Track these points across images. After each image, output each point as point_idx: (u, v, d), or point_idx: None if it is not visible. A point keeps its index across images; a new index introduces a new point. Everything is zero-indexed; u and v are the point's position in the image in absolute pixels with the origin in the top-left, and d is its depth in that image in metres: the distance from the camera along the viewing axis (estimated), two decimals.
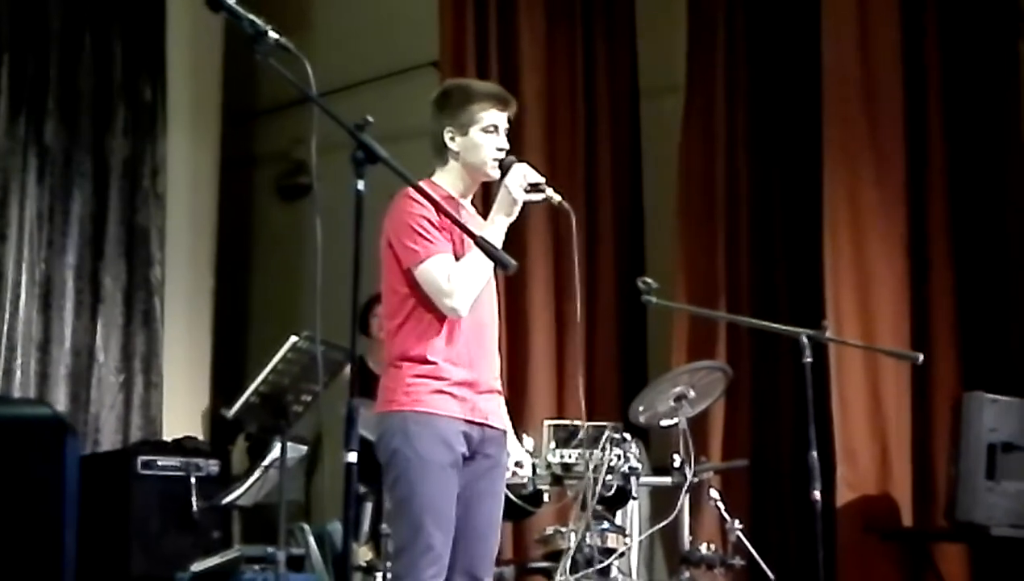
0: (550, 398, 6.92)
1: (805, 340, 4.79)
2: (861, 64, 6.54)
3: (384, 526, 5.41)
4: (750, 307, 6.79)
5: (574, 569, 5.06)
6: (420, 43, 7.57)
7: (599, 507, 5.25)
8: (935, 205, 6.54)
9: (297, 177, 8.67)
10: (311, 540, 6.15)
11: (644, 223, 7.52)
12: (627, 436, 5.33)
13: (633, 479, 5.26)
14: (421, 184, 3.62)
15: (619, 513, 5.51)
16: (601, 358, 7.17)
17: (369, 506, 5.99)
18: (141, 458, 6.79)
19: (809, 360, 4.78)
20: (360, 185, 3.04)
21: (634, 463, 5.27)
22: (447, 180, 4.00)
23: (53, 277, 7.42)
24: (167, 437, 7.44)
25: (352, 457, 3.02)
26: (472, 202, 4.12)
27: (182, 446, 7.09)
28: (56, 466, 6.04)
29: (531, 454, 5.30)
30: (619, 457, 5.23)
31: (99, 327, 7.56)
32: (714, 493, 5.45)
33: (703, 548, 5.37)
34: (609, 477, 5.20)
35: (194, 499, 6.72)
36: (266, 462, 6.08)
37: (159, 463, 6.80)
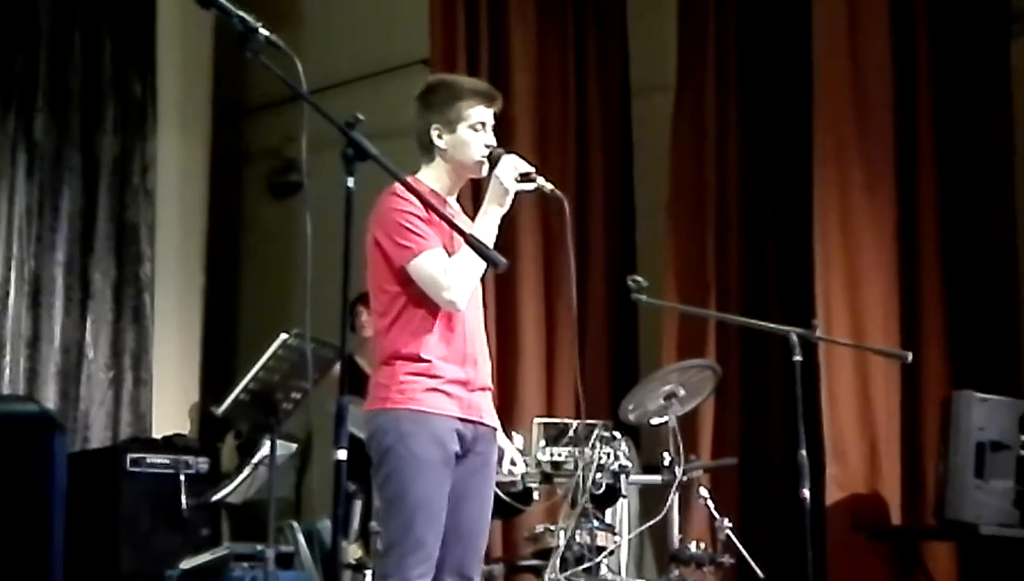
0: (540, 396, 6.92)
1: (795, 339, 4.80)
2: (851, 62, 6.54)
3: (373, 524, 5.41)
4: (740, 305, 6.79)
5: (564, 567, 5.05)
6: (411, 40, 7.56)
7: (589, 505, 5.25)
8: (925, 204, 6.54)
9: (287, 174, 8.66)
10: (300, 538, 6.15)
11: (635, 221, 7.52)
12: (617, 434, 5.33)
13: (623, 477, 5.26)
14: (410, 182, 3.61)
15: (609, 511, 5.51)
16: (591, 356, 7.17)
17: (359, 504, 5.99)
18: (130, 455, 6.79)
19: (799, 359, 4.78)
20: (350, 182, 3.03)
21: (624, 461, 5.27)
22: (432, 177, 3.98)
23: (42, 274, 7.41)
24: (157, 434, 7.44)
25: (342, 455, 3.01)
26: (457, 200, 4.10)
27: (172, 443, 7.09)
28: (44, 463, 6.02)
29: (521, 452, 5.31)
30: (609, 455, 5.23)
31: (88, 324, 7.56)
32: (703, 491, 5.45)
33: (692, 546, 5.37)
34: (599, 475, 5.19)
35: (183, 496, 6.72)
36: (255, 459, 6.07)
37: (148, 460, 6.80)
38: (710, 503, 5.39)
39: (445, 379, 3.84)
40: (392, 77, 7.85)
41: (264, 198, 8.94)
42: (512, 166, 3.90)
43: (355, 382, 3.92)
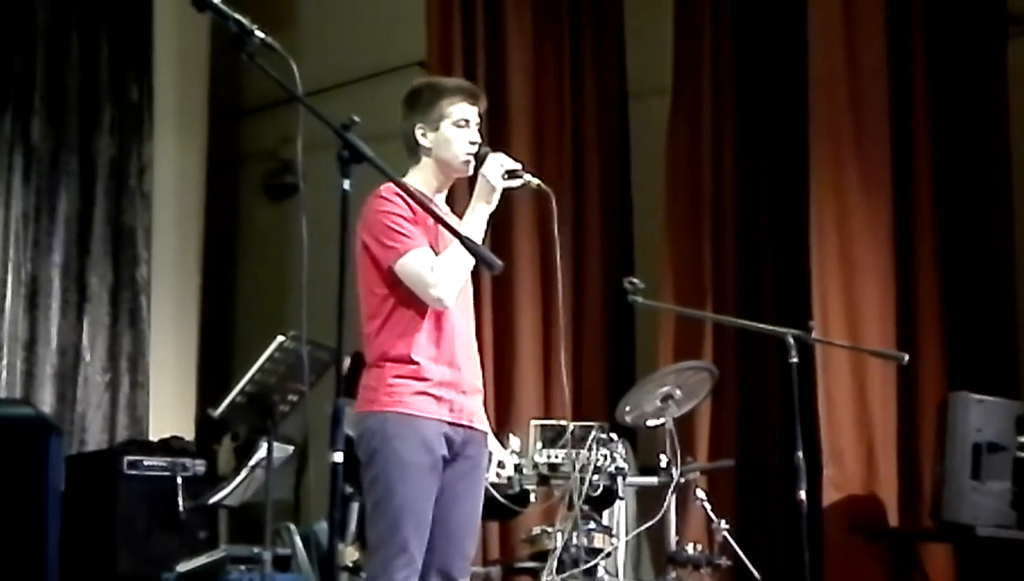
0: (536, 398, 6.92)
1: (791, 340, 4.80)
2: (847, 65, 6.54)
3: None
4: (737, 307, 6.79)
5: (560, 569, 5.06)
6: (407, 43, 7.56)
7: (586, 507, 5.25)
8: (922, 206, 6.55)
9: (284, 177, 8.66)
10: (297, 540, 6.15)
11: (632, 223, 7.52)
12: (614, 436, 5.33)
13: (620, 479, 5.26)
14: (404, 183, 3.61)
15: (606, 513, 5.51)
16: (588, 358, 7.17)
17: (356, 506, 5.98)
18: (127, 458, 6.78)
19: (795, 360, 4.78)
20: (346, 185, 3.03)
21: (621, 463, 5.27)
22: (419, 178, 3.98)
23: (39, 276, 7.41)
24: (153, 437, 7.43)
25: (338, 457, 3.01)
26: (447, 201, 4.10)
27: (168, 446, 7.08)
28: (40, 466, 6.02)
29: (517, 454, 5.31)
30: (606, 457, 5.23)
31: (85, 326, 7.55)
32: (700, 493, 5.45)
33: (690, 548, 5.37)
34: (596, 477, 5.20)
35: (180, 499, 6.71)
36: (252, 462, 6.07)
37: (145, 463, 6.79)
38: (707, 505, 5.40)
39: (433, 382, 3.84)
40: (388, 79, 7.84)
41: (260, 200, 8.94)
42: (498, 163, 3.91)
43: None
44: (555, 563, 5.08)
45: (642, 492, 5.90)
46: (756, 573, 5.29)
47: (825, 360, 6.32)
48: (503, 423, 6.54)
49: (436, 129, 3.96)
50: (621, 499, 5.37)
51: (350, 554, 5.76)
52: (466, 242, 3.39)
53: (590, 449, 5.22)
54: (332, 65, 7.82)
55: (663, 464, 5.35)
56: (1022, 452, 5.95)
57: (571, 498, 5.14)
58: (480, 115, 4.02)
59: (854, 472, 6.35)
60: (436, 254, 3.83)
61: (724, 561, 5.34)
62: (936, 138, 6.57)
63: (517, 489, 5.27)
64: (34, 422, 6.34)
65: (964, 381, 6.18)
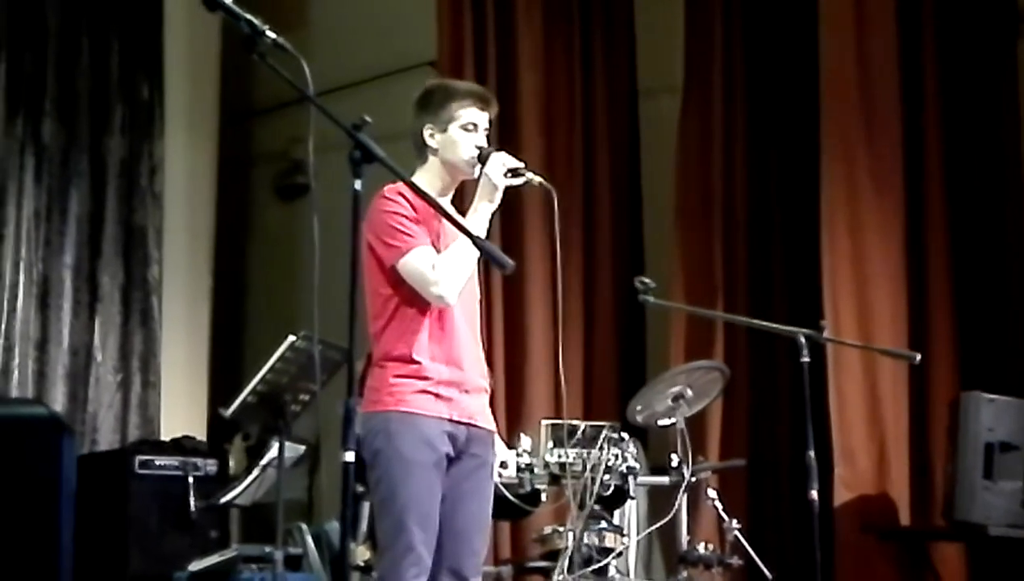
0: (547, 397, 6.92)
1: (803, 340, 4.80)
2: (858, 63, 6.54)
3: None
4: (748, 307, 6.79)
5: (572, 569, 5.05)
6: (418, 42, 7.57)
7: (597, 507, 5.25)
8: (933, 205, 6.54)
9: (295, 177, 8.66)
10: (309, 540, 6.15)
11: (642, 222, 7.52)
12: (625, 436, 5.33)
13: (631, 479, 5.26)
14: (398, 184, 3.62)
15: (617, 513, 5.51)
16: (599, 358, 7.17)
17: (367, 505, 5.98)
18: (139, 457, 6.79)
19: (807, 360, 4.78)
20: (358, 185, 3.04)
21: (632, 463, 5.27)
22: (425, 178, 4.00)
23: (51, 276, 7.42)
24: (165, 436, 7.44)
25: (350, 456, 3.01)
26: (452, 202, 4.11)
27: (180, 445, 7.09)
28: (53, 466, 6.03)
29: (528, 453, 5.31)
30: (617, 457, 5.23)
31: (97, 326, 7.56)
32: (712, 493, 5.44)
33: (701, 548, 5.36)
34: (607, 477, 5.19)
35: (192, 499, 6.72)
36: (264, 461, 6.07)
37: (157, 463, 6.80)
38: (718, 504, 5.39)
39: (435, 381, 3.85)
40: (399, 79, 7.84)
41: (271, 201, 8.94)
42: (500, 162, 3.93)
43: None
44: (566, 563, 5.08)
45: (653, 492, 5.89)
46: (768, 573, 5.28)
47: (837, 359, 6.31)
48: (514, 423, 6.55)
49: (444, 131, 3.99)
50: (632, 498, 5.37)
51: (362, 553, 5.76)
52: (478, 242, 3.39)
53: (601, 449, 5.21)
54: (343, 65, 7.82)
55: (674, 464, 5.35)
56: None
57: (582, 497, 5.14)
58: (490, 121, 4.04)
59: (866, 471, 6.34)
60: (438, 253, 3.85)
61: (735, 560, 5.33)
62: (947, 137, 6.56)
63: (528, 489, 5.27)
64: (46, 421, 6.34)
65: (976, 380, 6.17)
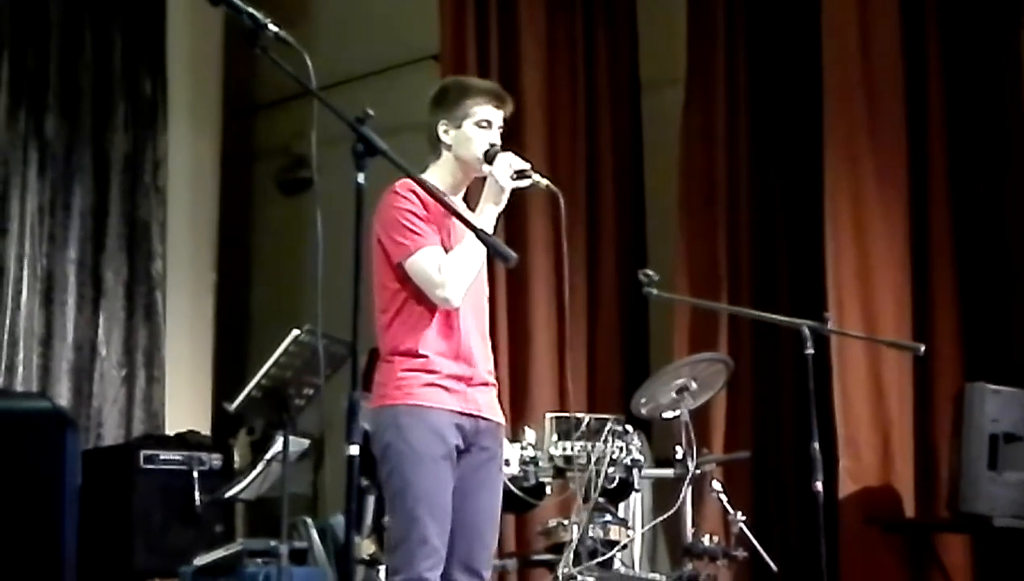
0: (552, 390, 6.92)
1: (807, 331, 4.80)
2: (862, 54, 6.53)
3: (386, 519, 5.41)
4: (751, 298, 6.79)
5: (577, 561, 5.05)
6: (421, 36, 7.56)
7: (601, 499, 5.25)
8: (936, 196, 6.53)
9: (298, 171, 8.66)
10: (314, 533, 6.15)
11: (645, 215, 7.51)
12: (629, 428, 5.33)
13: (635, 471, 5.26)
14: (421, 178, 3.62)
15: (621, 505, 5.50)
16: (603, 350, 7.17)
17: (372, 499, 5.99)
18: (144, 452, 6.79)
19: (811, 351, 4.78)
20: (361, 178, 3.03)
21: (636, 455, 5.27)
22: (438, 175, 4.01)
23: (54, 271, 7.42)
24: (169, 431, 7.45)
25: (354, 450, 3.01)
26: (464, 199, 4.11)
27: (185, 440, 7.09)
28: (56, 460, 6.03)
29: (533, 446, 5.32)
30: (621, 449, 5.23)
31: (101, 321, 7.57)
32: (716, 485, 5.44)
33: (706, 540, 5.36)
34: (611, 469, 5.20)
35: (197, 493, 6.73)
36: (268, 456, 6.08)
37: (162, 457, 6.80)
38: (723, 497, 5.39)
39: (443, 374, 3.86)
40: (402, 72, 7.85)
41: (275, 195, 8.95)
42: (507, 163, 3.93)
43: None
44: (571, 555, 5.07)
45: (658, 484, 5.90)
46: (772, 565, 5.28)
47: (841, 351, 6.31)
48: (518, 416, 6.54)
49: (458, 127, 3.99)
50: (637, 491, 5.37)
51: (366, 547, 5.77)
52: (481, 235, 3.40)
53: (606, 441, 5.22)
54: (346, 59, 7.82)
55: (679, 456, 5.35)
56: None
57: (587, 490, 5.14)
58: (505, 119, 4.04)
59: (870, 463, 6.34)
60: (448, 251, 3.85)
61: (740, 553, 5.33)
62: (950, 127, 6.55)
63: (533, 482, 5.27)
64: (51, 416, 6.35)
65: (980, 371, 6.17)
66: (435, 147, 4.03)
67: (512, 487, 5.11)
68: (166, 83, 7.98)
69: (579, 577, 4.98)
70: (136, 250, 7.76)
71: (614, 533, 5.29)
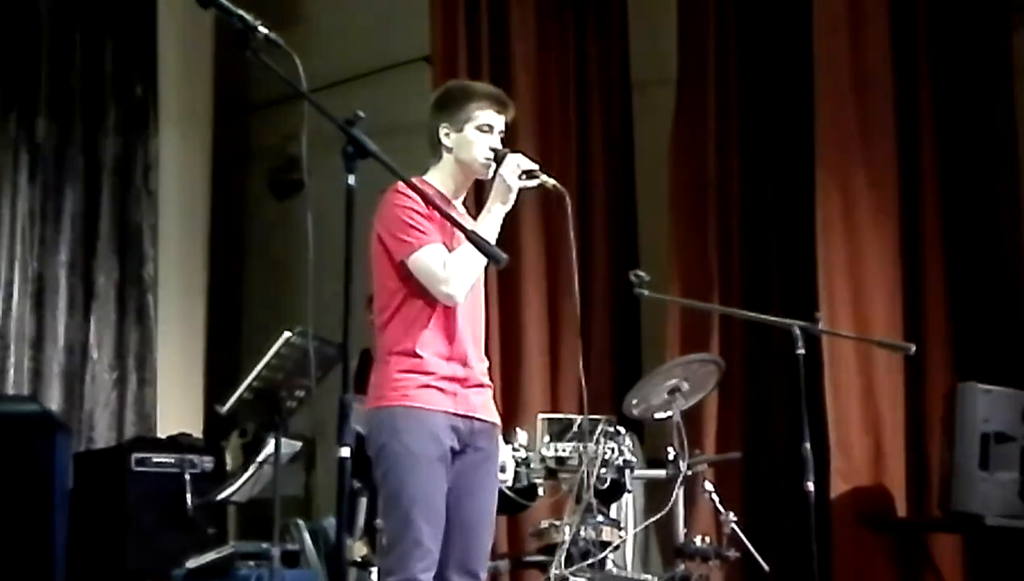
0: (544, 392, 6.92)
1: (798, 332, 4.80)
2: (853, 55, 6.54)
3: (379, 521, 5.41)
4: (743, 299, 6.79)
5: (569, 562, 5.05)
6: (412, 38, 7.56)
7: (594, 500, 5.25)
8: (928, 197, 6.54)
9: (290, 173, 8.65)
10: (306, 536, 6.15)
11: (636, 215, 7.52)
12: (621, 429, 5.33)
13: (627, 472, 5.26)
14: (412, 180, 3.62)
15: (614, 506, 5.50)
16: (594, 351, 7.16)
17: (364, 501, 5.99)
18: (136, 455, 6.79)
19: (802, 352, 4.78)
20: (351, 180, 3.04)
21: (628, 456, 5.27)
22: (438, 178, 4.03)
23: (46, 275, 7.42)
24: (161, 434, 7.45)
25: (345, 452, 3.01)
26: (464, 203, 4.12)
27: (176, 443, 7.09)
28: (47, 464, 6.04)
29: (525, 448, 5.32)
30: (613, 450, 5.23)
31: (92, 324, 7.56)
32: (708, 485, 5.45)
33: (698, 540, 5.37)
34: (603, 470, 5.20)
35: (189, 495, 6.72)
36: (260, 458, 6.07)
37: (154, 460, 6.80)
38: (715, 497, 5.40)
39: (438, 375, 3.87)
40: (393, 74, 7.84)
41: (266, 197, 8.93)
42: (515, 164, 3.95)
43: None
44: (563, 556, 5.07)
45: (650, 485, 5.90)
46: (764, 565, 5.29)
47: (832, 351, 6.31)
48: (510, 417, 6.53)
49: (460, 131, 4.00)
50: (629, 492, 5.38)
51: (358, 549, 5.77)
52: (471, 236, 3.41)
53: (597, 442, 5.22)
54: (337, 61, 7.81)
55: (670, 457, 5.35)
56: None
57: (579, 491, 5.14)
58: (507, 124, 4.05)
59: (862, 463, 6.34)
60: (450, 252, 3.85)
61: (732, 553, 5.33)
62: (941, 128, 6.56)
63: (525, 483, 5.27)
64: (41, 419, 6.35)
65: (971, 371, 6.17)
66: (436, 150, 4.03)
67: (505, 488, 5.11)
68: (157, 86, 7.98)
69: (571, 578, 4.98)
70: (127, 253, 7.75)
71: (606, 534, 5.29)
